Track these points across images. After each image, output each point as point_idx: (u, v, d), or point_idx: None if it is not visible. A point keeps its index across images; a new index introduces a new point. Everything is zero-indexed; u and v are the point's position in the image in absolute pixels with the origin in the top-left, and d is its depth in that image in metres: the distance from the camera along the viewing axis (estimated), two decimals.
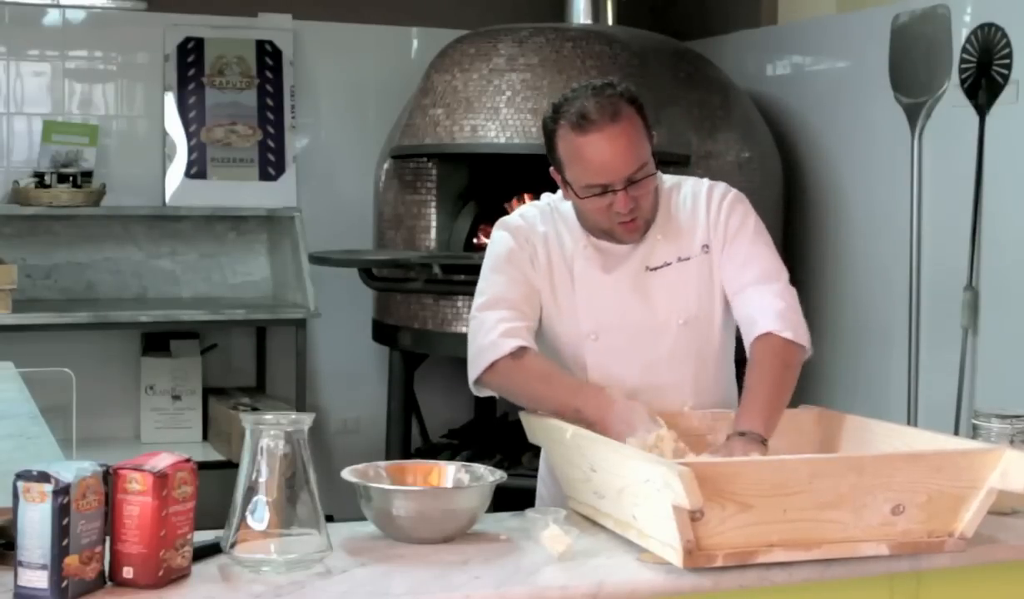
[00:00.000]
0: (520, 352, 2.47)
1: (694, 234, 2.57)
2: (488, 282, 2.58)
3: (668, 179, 2.64)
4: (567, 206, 2.62)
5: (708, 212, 2.58)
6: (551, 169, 2.56)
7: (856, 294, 4.65)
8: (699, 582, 2.00)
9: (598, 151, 2.43)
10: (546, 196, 2.70)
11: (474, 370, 2.53)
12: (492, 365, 2.48)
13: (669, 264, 2.56)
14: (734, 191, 2.62)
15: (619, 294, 2.56)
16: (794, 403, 2.61)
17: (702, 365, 2.59)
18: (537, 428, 2.49)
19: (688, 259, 2.56)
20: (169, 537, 1.90)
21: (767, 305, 2.50)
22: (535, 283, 2.57)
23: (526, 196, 4.79)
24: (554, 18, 4.96)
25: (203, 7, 5.14)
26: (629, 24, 4.96)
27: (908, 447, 2.34)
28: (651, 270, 2.56)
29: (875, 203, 4.56)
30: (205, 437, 4.99)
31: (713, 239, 2.57)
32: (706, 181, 2.64)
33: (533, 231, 2.60)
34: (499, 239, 2.62)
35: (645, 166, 2.46)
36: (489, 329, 2.50)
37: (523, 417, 2.54)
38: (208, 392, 5.02)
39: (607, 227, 2.52)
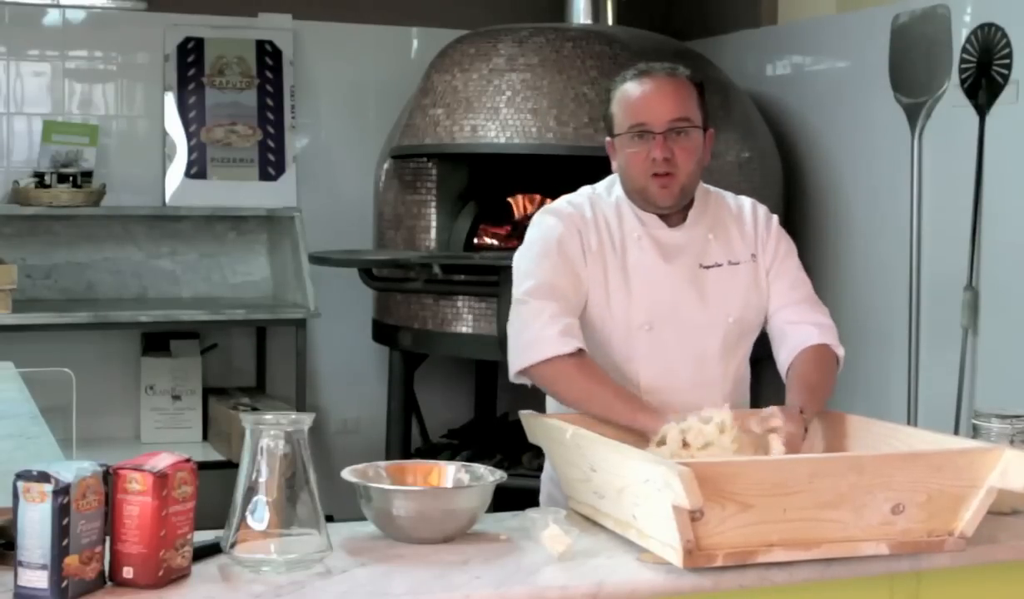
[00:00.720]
0: (579, 354, 2.46)
1: (742, 240, 2.65)
2: (537, 266, 2.55)
3: (711, 188, 2.71)
4: (616, 196, 2.63)
5: (756, 226, 2.67)
6: (607, 140, 2.61)
7: (856, 294, 4.65)
8: (699, 582, 2.00)
9: (645, 91, 2.52)
10: (587, 187, 2.70)
11: (523, 359, 2.49)
12: (548, 361, 2.46)
13: (720, 265, 2.62)
14: (774, 214, 2.74)
15: (675, 286, 2.58)
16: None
17: (738, 365, 2.66)
18: (537, 428, 2.48)
19: (738, 264, 2.63)
20: (169, 537, 1.90)
21: (823, 322, 2.64)
22: (582, 273, 2.56)
23: (526, 196, 4.81)
24: (554, 18, 4.96)
25: (203, 7, 5.14)
26: (629, 24, 4.96)
27: (908, 447, 2.34)
28: (704, 268, 2.61)
29: (875, 203, 4.56)
30: (205, 437, 4.99)
31: (760, 253, 2.66)
32: (744, 196, 2.74)
33: (583, 218, 2.60)
34: (547, 225, 2.59)
35: (687, 120, 2.52)
36: (546, 322, 2.47)
37: (523, 417, 2.53)
38: (208, 392, 5.02)
39: (643, 183, 2.54)
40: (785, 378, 2.61)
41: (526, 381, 2.55)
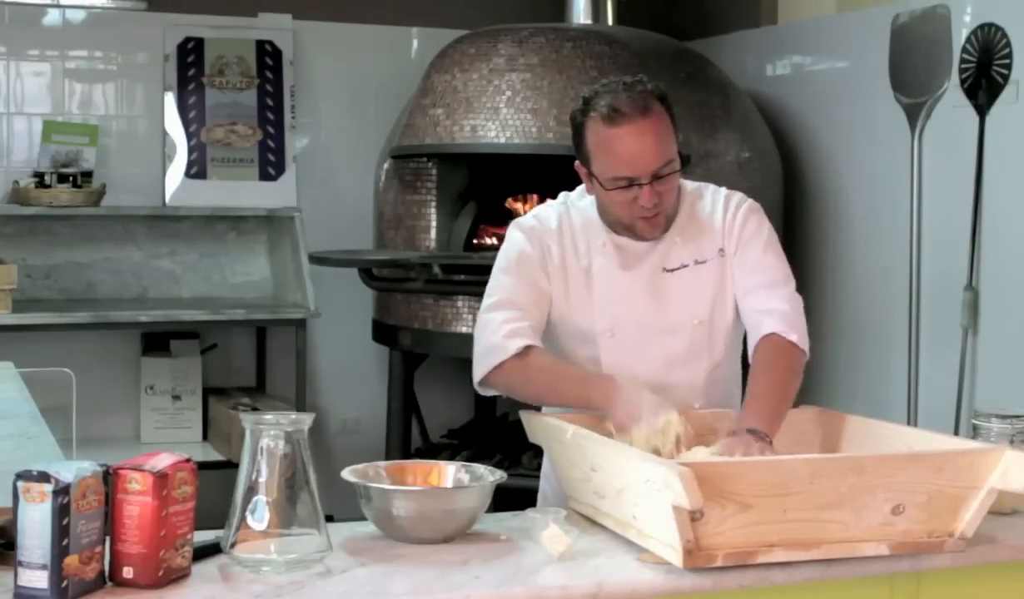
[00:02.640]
0: (525, 351, 2.48)
1: (711, 238, 2.61)
2: (497, 283, 2.60)
3: (689, 184, 2.67)
4: (586, 203, 2.63)
5: (724, 217, 2.62)
6: (576, 163, 2.58)
7: (856, 294, 4.65)
8: (699, 582, 2.01)
9: (627, 144, 2.46)
10: (563, 195, 2.71)
11: (479, 370, 2.54)
12: (499, 365, 2.50)
13: (686, 266, 2.59)
14: (751, 201, 2.67)
15: (636, 292, 2.58)
16: (794, 403, 2.62)
17: (713, 366, 2.62)
18: (537, 428, 2.49)
19: (704, 262, 2.60)
20: (169, 537, 1.90)
21: (773, 308, 2.54)
22: (544, 286, 2.58)
23: (526, 196, 4.81)
24: (554, 18, 4.96)
25: (203, 7, 5.14)
26: (629, 24, 4.96)
27: (908, 447, 2.34)
28: (668, 271, 2.59)
29: (875, 203, 4.56)
30: (205, 437, 4.99)
31: (727, 244, 2.61)
32: (724, 189, 2.69)
33: (547, 231, 2.61)
34: (512, 240, 2.63)
35: (671, 162, 2.49)
36: (494, 330, 2.52)
37: (523, 417, 2.54)
38: (208, 392, 5.02)
39: (629, 221, 2.54)
40: None
41: (491, 392, 2.58)
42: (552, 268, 2.59)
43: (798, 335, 2.51)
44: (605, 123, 2.47)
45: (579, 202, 2.66)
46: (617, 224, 2.57)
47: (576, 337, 2.60)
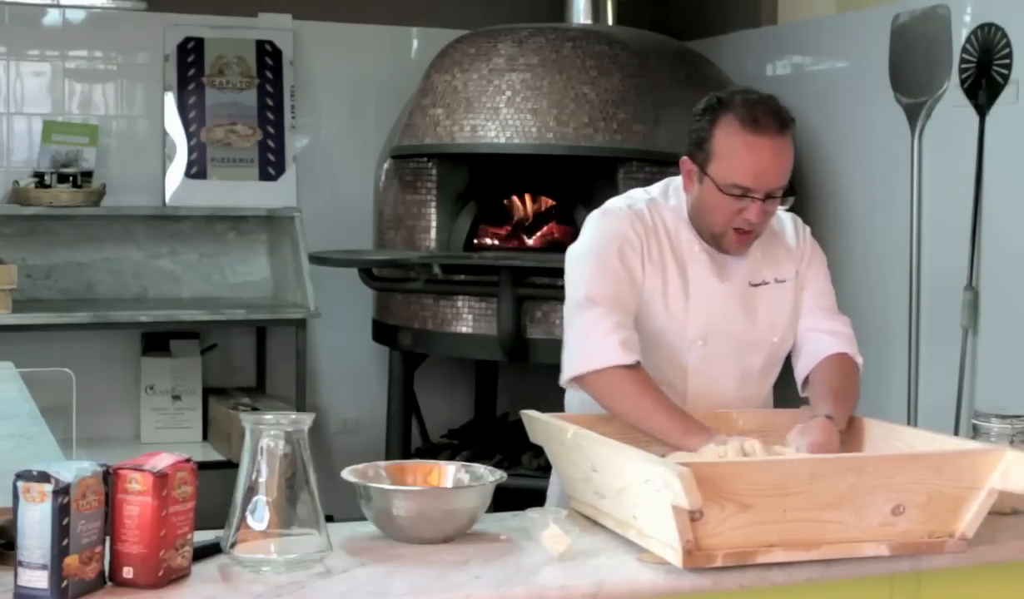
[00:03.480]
0: (636, 366, 2.43)
1: (788, 258, 2.66)
2: (599, 271, 2.51)
3: None
4: (675, 204, 2.60)
5: (798, 241, 2.68)
6: (683, 158, 2.54)
7: (856, 294, 4.64)
8: (699, 582, 2.00)
9: (760, 156, 2.45)
10: (641, 190, 2.67)
11: (579, 366, 2.46)
12: (601, 371, 2.43)
13: (767, 283, 2.62)
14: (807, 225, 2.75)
15: (729, 303, 2.58)
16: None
17: (772, 384, 2.69)
18: (538, 428, 2.48)
19: (784, 282, 2.64)
20: (169, 537, 1.90)
21: (839, 330, 2.65)
22: (639, 278, 2.53)
23: (526, 196, 4.81)
24: (554, 18, 4.96)
25: (203, 7, 5.14)
26: (629, 24, 4.96)
27: (909, 447, 2.34)
28: (753, 286, 2.61)
29: (875, 203, 4.56)
30: (205, 437, 4.99)
31: (801, 266, 2.67)
32: (782, 211, 2.69)
33: (643, 224, 2.56)
34: (608, 228, 2.55)
35: (784, 187, 2.51)
36: (607, 330, 2.44)
37: (524, 416, 2.53)
38: (208, 392, 5.02)
39: (722, 231, 2.52)
40: (802, 388, 2.62)
41: (576, 387, 2.52)
42: (651, 263, 2.54)
43: (861, 360, 2.64)
44: (745, 127, 2.45)
45: (666, 202, 2.61)
46: (707, 231, 2.55)
47: (664, 340, 2.55)
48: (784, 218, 2.70)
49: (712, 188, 2.48)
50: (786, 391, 2.71)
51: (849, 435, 2.50)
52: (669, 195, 2.62)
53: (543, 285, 4.34)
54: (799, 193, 4.92)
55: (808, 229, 2.73)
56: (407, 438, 4.90)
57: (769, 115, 2.46)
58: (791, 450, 2.31)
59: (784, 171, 2.48)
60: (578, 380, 2.48)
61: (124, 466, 1.91)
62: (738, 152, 2.45)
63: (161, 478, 1.89)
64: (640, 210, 2.58)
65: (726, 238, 2.53)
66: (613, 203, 2.63)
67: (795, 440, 2.34)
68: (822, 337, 2.62)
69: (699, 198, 2.53)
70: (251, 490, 2.01)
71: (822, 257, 2.72)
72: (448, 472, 2.33)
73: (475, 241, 4.75)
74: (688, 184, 2.55)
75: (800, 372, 2.62)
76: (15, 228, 4.85)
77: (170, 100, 5.08)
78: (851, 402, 2.52)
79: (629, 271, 2.52)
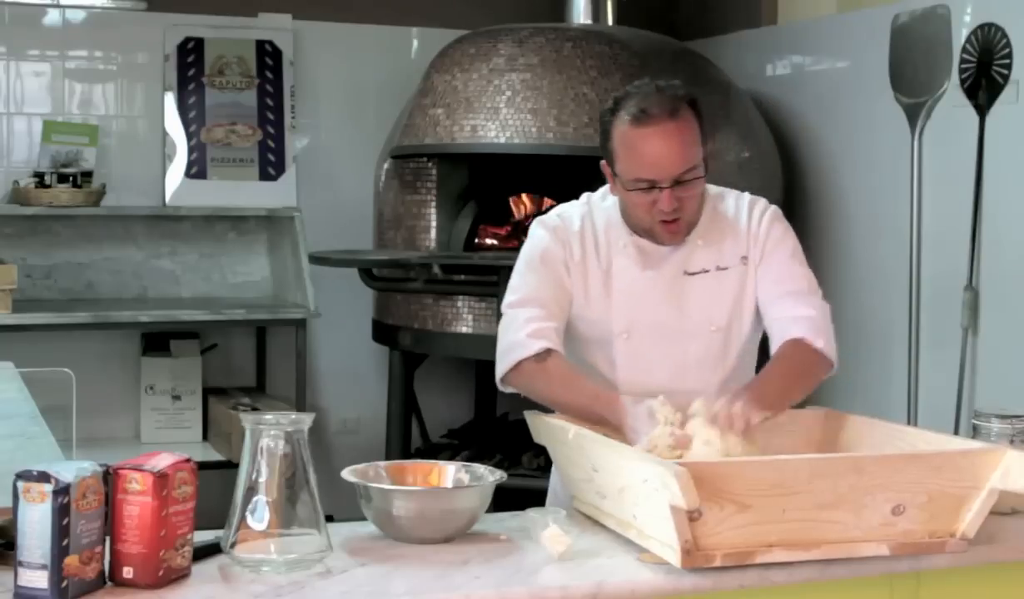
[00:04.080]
0: (545, 354, 2.47)
1: (734, 244, 2.60)
2: (522, 279, 2.58)
3: (712, 188, 2.66)
4: (609, 204, 2.63)
5: (749, 224, 2.61)
6: (602, 162, 2.57)
7: (856, 294, 4.65)
8: (699, 582, 2.00)
9: (652, 146, 2.45)
10: (586, 195, 2.70)
11: (501, 367, 2.53)
12: (517, 364, 2.49)
13: (707, 271, 2.58)
14: (774, 207, 2.66)
15: (654, 294, 2.57)
16: (800, 404, 2.61)
17: (726, 375, 2.60)
18: (541, 428, 2.49)
19: (726, 269, 2.59)
20: (169, 537, 1.90)
21: (801, 314, 2.53)
22: (567, 284, 2.58)
23: (526, 196, 4.81)
24: (554, 18, 4.96)
25: (203, 7, 5.14)
26: (629, 24, 4.96)
27: (911, 447, 2.33)
28: (689, 275, 2.58)
29: (875, 203, 4.56)
30: (205, 437, 4.99)
31: (752, 251, 2.60)
32: (747, 194, 2.67)
33: (569, 229, 2.60)
34: (536, 237, 2.62)
35: (694, 169, 2.48)
36: (518, 328, 2.50)
37: (528, 416, 2.54)
38: (208, 392, 5.02)
39: (648, 225, 2.53)
40: None
41: (511, 390, 2.57)
42: (574, 266, 2.58)
43: (824, 342, 2.51)
44: (632, 123, 2.46)
45: (602, 203, 2.64)
46: (638, 227, 2.56)
47: (593, 338, 2.60)
48: (741, 203, 2.64)
49: (624, 187, 2.51)
50: None
51: (848, 435, 2.50)
52: (606, 196, 2.65)
53: None
54: (799, 193, 4.93)
55: (770, 210, 2.63)
56: (407, 438, 4.90)
57: (659, 103, 2.45)
58: (697, 419, 2.27)
59: (684, 154, 2.46)
60: (504, 382, 2.54)
61: (124, 466, 1.91)
62: (632, 147, 2.47)
63: (161, 478, 1.89)
64: (569, 215, 2.63)
65: (655, 231, 2.53)
66: (547, 214, 2.69)
67: (699, 407, 2.28)
68: (784, 324, 2.54)
69: (620, 199, 2.57)
70: (251, 490, 2.01)
71: (783, 239, 2.61)
72: (448, 472, 2.33)
73: (475, 241, 4.75)
74: (612, 186, 2.58)
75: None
76: (15, 228, 4.85)
77: (170, 100, 5.08)
78: (784, 380, 2.44)
79: (551, 272, 2.57)
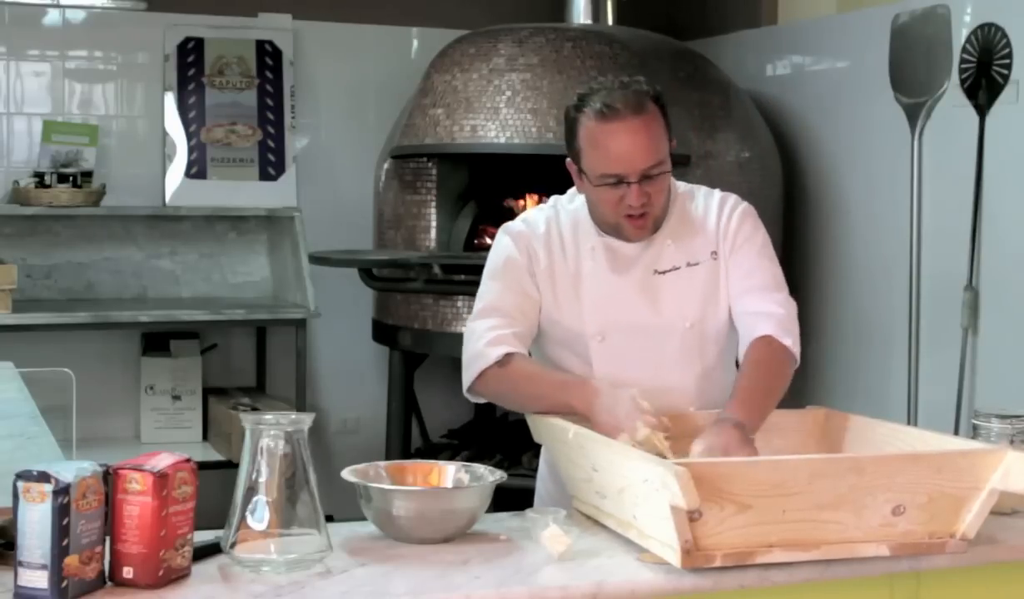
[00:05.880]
0: (506, 359, 2.48)
1: (704, 240, 2.59)
2: (485, 289, 2.60)
3: (682, 186, 2.66)
4: (575, 206, 2.63)
5: (719, 220, 2.60)
6: (567, 160, 2.57)
7: (856, 294, 4.65)
8: (699, 582, 2.00)
9: (617, 141, 2.45)
10: (553, 198, 2.70)
11: (465, 379, 2.55)
12: (481, 374, 2.50)
13: (678, 268, 2.58)
14: (745, 204, 2.65)
15: (626, 295, 2.57)
16: (797, 403, 2.62)
17: (706, 368, 2.60)
18: (541, 428, 2.48)
19: (697, 265, 2.58)
20: (169, 537, 1.90)
21: (769, 311, 2.53)
22: (532, 292, 2.58)
23: (526, 196, 4.81)
24: (554, 18, 4.96)
25: (203, 7, 5.14)
26: (629, 24, 4.96)
27: (909, 447, 2.34)
28: (659, 273, 2.57)
29: (875, 203, 4.56)
30: (205, 437, 4.99)
31: (721, 246, 2.59)
32: (718, 191, 2.67)
33: (535, 235, 2.60)
34: (500, 245, 2.63)
35: (661, 164, 2.48)
36: (478, 338, 2.52)
37: (528, 417, 2.54)
38: (208, 392, 5.02)
39: (615, 221, 2.53)
40: None
41: (480, 399, 2.59)
42: (540, 273, 2.58)
43: (792, 340, 2.52)
44: (597, 119, 2.46)
45: (569, 204, 2.65)
46: (605, 224, 2.56)
47: (566, 342, 2.59)
48: (711, 200, 2.63)
49: (590, 183, 2.51)
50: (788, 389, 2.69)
51: (848, 435, 2.50)
52: (573, 198, 2.64)
53: None
54: (799, 193, 4.93)
55: (741, 206, 2.62)
56: (407, 438, 4.90)
57: (623, 99, 2.46)
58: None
59: (650, 149, 2.46)
60: (471, 392, 2.55)
61: (124, 466, 1.91)
62: (598, 143, 2.47)
63: (161, 478, 1.89)
64: (535, 220, 2.63)
65: (622, 227, 2.53)
66: (511, 222, 2.69)
67: (696, 447, 2.26)
68: (752, 320, 2.53)
69: (587, 196, 2.57)
70: (251, 490, 2.01)
71: (754, 234, 2.59)
72: (448, 472, 2.33)
73: (475, 241, 4.75)
74: (578, 184, 2.58)
75: (740, 359, 2.57)
76: (15, 228, 4.85)
77: (170, 100, 5.08)
78: (766, 395, 2.44)
79: (515, 281, 2.57)
